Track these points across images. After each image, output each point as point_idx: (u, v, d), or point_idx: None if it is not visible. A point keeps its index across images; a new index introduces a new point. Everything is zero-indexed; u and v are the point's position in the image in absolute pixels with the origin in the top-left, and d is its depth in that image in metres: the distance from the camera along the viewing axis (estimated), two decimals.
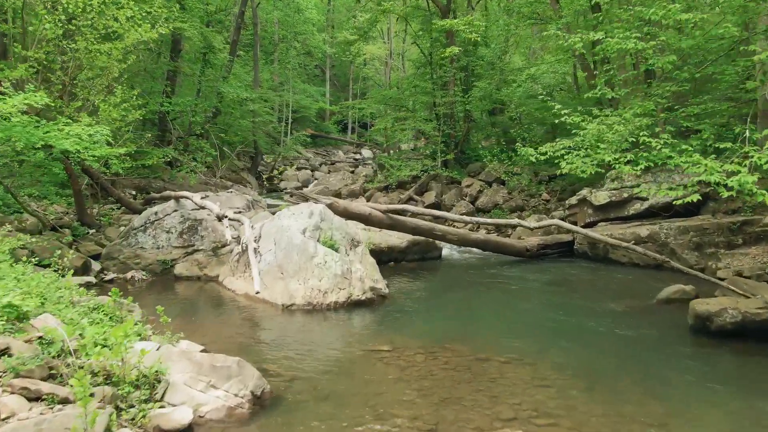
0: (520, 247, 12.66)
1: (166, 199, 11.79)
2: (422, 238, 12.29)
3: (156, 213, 11.19)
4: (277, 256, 9.34)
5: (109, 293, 6.92)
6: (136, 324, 6.59)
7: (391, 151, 27.79)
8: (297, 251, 9.13)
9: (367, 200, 21.27)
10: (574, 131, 9.92)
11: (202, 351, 6.46)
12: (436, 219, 12.76)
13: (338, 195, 23.23)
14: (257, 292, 7.58)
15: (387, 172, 20.72)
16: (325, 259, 9.01)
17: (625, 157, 7.34)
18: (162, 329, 7.95)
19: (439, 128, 20.07)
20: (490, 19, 21.10)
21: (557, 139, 8.95)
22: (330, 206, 10.68)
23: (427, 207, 19.46)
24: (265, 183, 29.44)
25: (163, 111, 19.39)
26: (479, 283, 11.00)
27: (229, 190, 12.64)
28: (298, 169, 33.36)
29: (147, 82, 18.87)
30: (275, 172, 12.02)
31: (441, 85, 20.75)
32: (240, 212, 11.23)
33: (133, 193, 17.31)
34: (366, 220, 11.19)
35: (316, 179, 32.02)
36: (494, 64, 21.73)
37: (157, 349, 5.84)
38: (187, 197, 11.09)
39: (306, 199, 10.89)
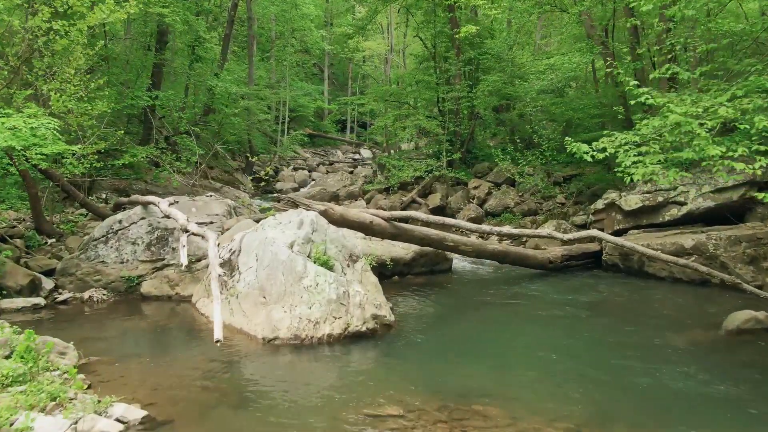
0: (543, 258, 10.82)
1: (135, 204, 9.93)
2: (431, 249, 10.45)
3: (120, 221, 9.32)
4: (259, 275, 7.50)
5: (24, 335, 5.09)
6: (53, 381, 4.74)
7: (392, 151, 25.92)
8: (283, 270, 7.29)
9: (367, 203, 19.44)
10: (644, 118, 7.82)
11: (143, 420, 4.63)
12: (444, 227, 10.87)
13: (336, 197, 21.40)
14: (217, 341, 5.68)
15: (388, 173, 18.86)
16: (317, 280, 7.16)
17: (736, 151, 5.50)
18: (104, 374, 6.11)
19: (443, 126, 18.21)
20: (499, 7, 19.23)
21: (606, 133, 7.03)
22: (324, 213, 8.83)
23: (432, 210, 17.64)
24: (253, 180, 27.61)
25: (148, 107, 17.52)
26: (500, 305, 9.15)
27: (209, 194, 10.78)
28: (295, 169, 31.48)
29: (125, 74, 16.98)
30: (263, 173, 10.33)
31: (446, 80, 18.86)
32: (211, 223, 9.38)
33: (104, 196, 15.41)
34: (367, 229, 9.35)
35: (313, 180, 30.15)
36: (502, 57, 19.90)
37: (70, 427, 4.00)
38: (153, 203, 9.23)
39: (296, 204, 9.03)
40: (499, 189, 18.06)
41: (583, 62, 12.94)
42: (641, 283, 10.33)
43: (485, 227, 10.67)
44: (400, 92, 20.78)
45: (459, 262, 11.72)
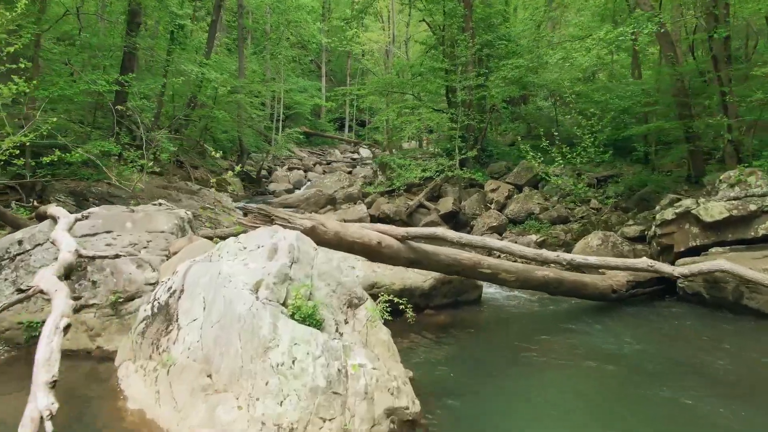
0: (605, 287, 7.84)
1: (43, 218, 6.89)
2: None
3: (20, 242, 6.31)
4: (204, 336, 4.52)
5: None
6: None
7: (394, 150, 22.90)
8: (240, 331, 4.31)
9: (368, 207, 16.45)
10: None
11: None
12: (481, 249, 7.81)
13: (332, 201, 18.37)
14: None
15: (392, 174, 15.86)
16: (294, 352, 4.17)
17: None
18: None
19: (455, 119, 15.22)
20: None
21: None
22: (311, 232, 5.86)
23: (444, 217, 14.66)
24: (243, 179, 24.59)
25: (118, 96, 14.54)
26: (565, 361, 6.17)
27: (157, 202, 7.73)
28: (290, 169, 28.47)
29: (79, 54, 13.99)
30: (229, 174, 7.88)
31: (459, 67, 15.87)
32: (148, 244, 6.32)
33: (62, 200, 12.43)
34: (373, 252, 6.37)
35: (309, 181, 27.15)
36: (518, 43, 16.94)
37: None
38: (55, 216, 6.22)
39: (270, 218, 5.99)
40: (520, 192, 15.09)
41: (627, 34, 9.95)
42: (742, 321, 7.36)
43: (548, 254, 7.32)
44: (403, 83, 17.74)
45: (486, 288, 8.73)
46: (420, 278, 7.64)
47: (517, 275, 7.05)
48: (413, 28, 26.61)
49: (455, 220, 14.96)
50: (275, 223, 5.81)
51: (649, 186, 11.90)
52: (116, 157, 14.31)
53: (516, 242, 12.16)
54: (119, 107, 13.70)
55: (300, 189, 26.07)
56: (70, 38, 15.46)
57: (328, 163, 31.49)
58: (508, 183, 15.22)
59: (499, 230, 13.18)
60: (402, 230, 6.40)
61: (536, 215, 13.92)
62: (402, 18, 26.23)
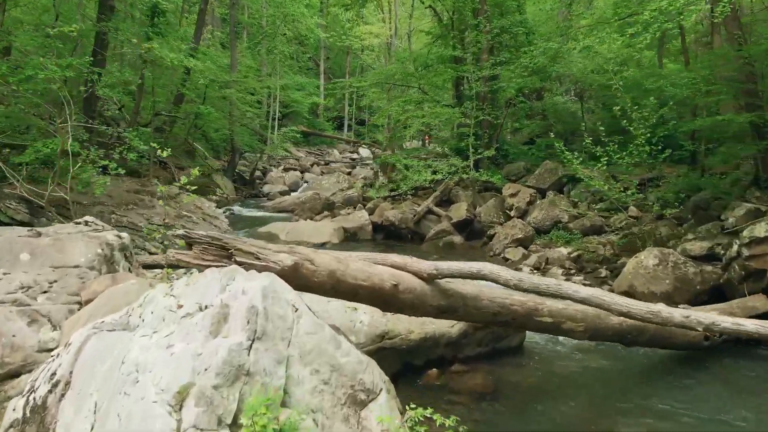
0: (696, 333, 5.62)
1: None
2: None
3: None
4: None
5: None
6: None
7: (395, 150, 20.68)
8: None
9: (370, 213, 14.21)
10: None
11: None
12: (526, 291, 5.52)
13: (330, 206, 16.11)
14: None
15: (399, 176, 13.61)
16: None
17: None
18: None
19: (470, 114, 13.00)
20: None
21: None
22: (293, 274, 3.64)
23: (458, 225, 12.44)
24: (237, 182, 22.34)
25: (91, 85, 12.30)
26: None
27: (82, 220, 5.43)
28: (286, 170, 26.22)
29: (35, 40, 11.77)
30: (193, 174, 6.06)
31: (472, 56, 13.64)
32: (50, 288, 4.09)
33: (13, 207, 10.22)
34: (387, 299, 4.11)
35: (306, 182, 24.91)
36: (533, 31, 14.75)
37: None
38: None
39: (228, 253, 3.72)
40: (544, 197, 12.88)
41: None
42: None
43: (675, 314, 4.62)
44: (407, 74, 15.45)
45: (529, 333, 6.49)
46: (445, 322, 5.43)
47: (586, 324, 4.84)
48: (416, 20, 24.32)
49: (469, 228, 12.75)
50: (236, 261, 3.59)
51: (706, 191, 9.70)
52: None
53: (547, 258, 9.97)
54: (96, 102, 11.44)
55: (296, 190, 23.84)
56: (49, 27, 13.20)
57: (327, 164, 29.27)
58: (528, 186, 13.02)
59: (524, 243, 10.98)
60: (429, 265, 4.18)
61: (564, 224, 11.73)
62: (405, 10, 23.97)
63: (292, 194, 21.94)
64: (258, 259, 3.64)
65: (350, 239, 13.33)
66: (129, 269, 4.72)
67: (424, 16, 26.33)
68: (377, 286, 3.95)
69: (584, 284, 8.82)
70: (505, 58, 14.12)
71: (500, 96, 14.35)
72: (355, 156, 32.66)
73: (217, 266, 3.58)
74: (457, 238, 12.18)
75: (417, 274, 4.17)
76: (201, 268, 3.66)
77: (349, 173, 26.35)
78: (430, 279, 4.17)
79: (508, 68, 13.75)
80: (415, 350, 5.28)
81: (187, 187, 5.41)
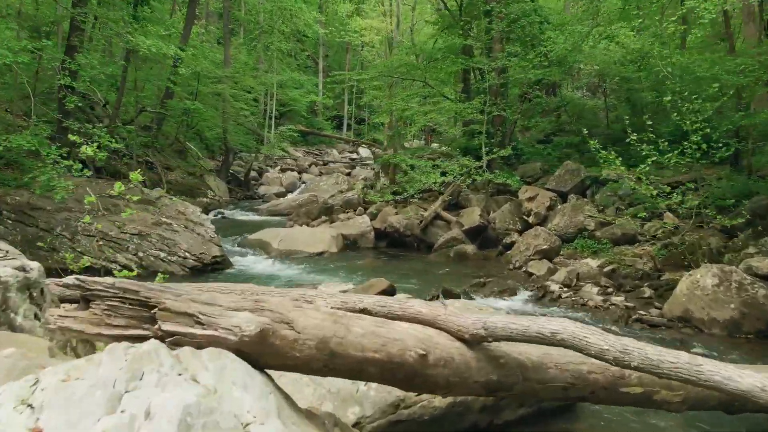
0: None
1: None
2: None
3: None
4: None
5: None
6: None
7: (398, 149, 19.16)
8: None
9: (372, 218, 12.70)
10: None
11: None
12: (635, 370, 4.00)
13: (329, 210, 14.62)
14: None
15: (404, 178, 12.09)
16: None
17: None
18: None
19: (482, 109, 11.50)
20: None
21: None
22: (259, 346, 2.15)
23: (469, 233, 10.97)
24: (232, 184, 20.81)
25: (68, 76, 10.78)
26: None
27: None
28: (283, 170, 24.70)
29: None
30: (135, 174, 4.90)
31: (484, 46, 12.13)
32: None
33: None
34: (408, 375, 2.63)
35: (303, 183, 23.39)
36: (546, 22, 13.26)
37: None
38: None
39: (149, 314, 2.25)
40: (564, 200, 11.40)
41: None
42: None
43: None
44: (411, 67, 13.87)
45: None
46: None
47: (686, 394, 3.34)
48: (419, 14, 22.77)
49: (482, 236, 11.27)
50: (162, 329, 2.09)
51: (762, 195, 8.22)
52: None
53: (577, 273, 8.47)
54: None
55: (293, 192, 22.33)
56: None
57: (325, 164, 27.75)
58: (547, 189, 11.54)
59: (549, 255, 9.50)
60: (473, 322, 2.64)
61: (590, 231, 10.25)
62: (407, 2, 22.42)
63: (289, 196, 20.43)
64: (200, 323, 2.14)
65: (350, 247, 11.86)
66: (36, 316, 3.25)
67: (427, 12, 24.82)
68: (396, 359, 2.45)
69: (626, 306, 7.37)
70: (517, 50, 12.63)
71: (511, 91, 12.85)
72: (354, 156, 31.16)
73: (130, 338, 2.09)
74: (470, 248, 10.70)
75: (455, 334, 2.67)
76: (106, 341, 2.17)
77: (348, 174, 24.84)
78: (474, 342, 2.68)
79: (523, 60, 12.24)
80: (441, 420, 3.79)
81: (128, 197, 3.94)
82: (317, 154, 30.41)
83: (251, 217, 16.45)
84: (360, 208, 16.43)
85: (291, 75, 30.84)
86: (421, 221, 11.65)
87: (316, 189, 21.25)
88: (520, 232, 11.01)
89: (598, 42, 10.77)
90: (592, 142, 8.22)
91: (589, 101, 14.98)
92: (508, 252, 10.47)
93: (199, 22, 24.32)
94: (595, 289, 7.87)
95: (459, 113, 11.80)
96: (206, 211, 16.08)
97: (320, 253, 11.08)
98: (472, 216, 11.25)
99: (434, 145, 22.05)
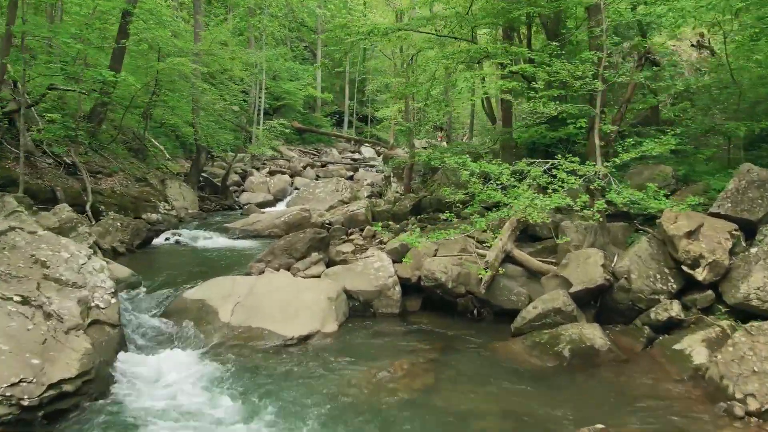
0: None
1: None
2: None
3: None
4: None
5: None
6: None
7: (401, 150, 13.46)
8: None
9: (393, 257, 7.04)
10: None
11: None
12: None
13: (324, 243, 8.74)
14: None
15: (458, 194, 6.23)
16: None
17: None
18: None
19: (597, 73, 5.84)
20: None
21: None
22: None
23: (579, 295, 5.30)
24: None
25: None
26: None
27: None
28: (272, 173, 18.96)
29: None
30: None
31: None
32: None
33: None
34: None
35: (296, 189, 17.74)
36: None
37: None
38: None
39: None
40: (752, 236, 5.76)
41: None
42: None
43: None
44: (455, 16, 7.99)
45: None
46: None
47: None
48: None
49: (603, 303, 5.68)
50: None
51: None
52: None
53: None
54: None
55: (283, 200, 16.71)
56: None
57: (323, 165, 22.08)
58: (716, 216, 5.90)
59: None
60: None
61: None
62: None
63: (273, 209, 14.75)
64: None
65: (359, 315, 6.26)
66: None
67: None
68: None
69: None
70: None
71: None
72: (357, 156, 25.53)
73: None
74: (594, 334, 5.06)
75: None
76: None
77: (350, 178, 19.22)
78: None
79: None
80: None
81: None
82: (315, 155, 24.77)
83: (217, 241, 10.78)
84: (368, 228, 10.83)
85: (288, 64, 25.15)
86: (487, 268, 5.98)
87: (310, 197, 15.62)
88: (676, 296, 5.45)
89: None
90: None
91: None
92: (665, 338, 4.96)
93: None
94: None
95: (549, 77, 6.07)
96: (153, 232, 10.46)
97: (305, 338, 5.45)
98: (584, 266, 5.64)
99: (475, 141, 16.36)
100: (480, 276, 5.98)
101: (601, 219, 5.73)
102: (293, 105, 25.82)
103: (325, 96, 27.04)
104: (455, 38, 8.41)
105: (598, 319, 5.67)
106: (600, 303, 5.76)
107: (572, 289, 5.54)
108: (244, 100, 20.65)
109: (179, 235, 10.94)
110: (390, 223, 11.18)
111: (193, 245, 10.46)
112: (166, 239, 10.70)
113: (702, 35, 10.66)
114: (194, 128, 14.81)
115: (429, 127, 17.40)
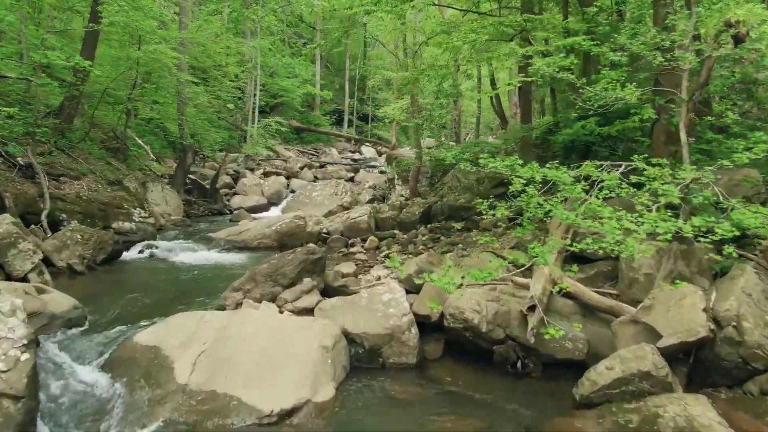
0: None
1: None
2: None
3: None
4: None
5: None
6: None
7: (405, 149, 11.85)
8: None
9: (409, 287, 5.43)
10: None
11: None
12: None
13: (319, 266, 6.98)
14: None
15: (509, 209, 4.52)
16: None
17: None
18: None
19: (688, 46, 4.21)
20: None
21: None
22: None
23: (671, 351, 3.55)
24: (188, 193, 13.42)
25: None
26: None
27: None
28: (266, 174, 17.27)
29: None
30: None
31: None
32: None
33: None
34: None
35: (292, 192, 16.04)
36: None
37: None
38: None
39: None
40: None
41: None
42: None
43: None
44: None
45: None
46: None
47: None
48: None
49: (697, 358, 4.03)
50: None
51: None
52: None
53: None
54: None
55: (278, 205, 15.05)
56: None
57: (322, 166, 20.42)
58: None
59: None
60: None
61: None
62: None
63: (267, 214, 13.13)
64: None
65: (363, 367, 4.64)
66: None
67: None
68: None
69: None
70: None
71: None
72: (357, 156, 23.86)
73: None
74: (704, 413, 3.42)
75: None
76: None
77: (351, 179, 17.58)
78: None
79: None
80: None
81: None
82: (313, 154, 23.11)
83: (198, 255, 9.09)
84: (371, 238, 9.28)
85: (285, 60, 23.47)
86: (530, 315, 4.35)
87: (307, 201, 13.97)
88: None
89: None
90: None
91: None
92: None
93: None
94: None
95: (613, 53, 4.43)
96: (123, 244, 8.79)
97: (289, 413, 3.80)
98: (677, 309, 3.99)
99: (493, 138, 14.71)
100: (525, 316, 4.34)
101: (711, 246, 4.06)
102: (291, 103, 24.16)
103: (324, 94, 25.38)
104: (481, 13, 6.75)
105: (690, 381, 4.04)
106: (694, 358, 4.12)
107: (662, 343, 3.89)
108: (240, 98, 19.01)
109: (155, 247, 9.26)
110: (396, 232, 9.58)
111: (170, 260, 8.79)
112: (140, 252, 9.04)
113: None
114: (180, 125, 13.15)
115: (436, 125, 15.79)
